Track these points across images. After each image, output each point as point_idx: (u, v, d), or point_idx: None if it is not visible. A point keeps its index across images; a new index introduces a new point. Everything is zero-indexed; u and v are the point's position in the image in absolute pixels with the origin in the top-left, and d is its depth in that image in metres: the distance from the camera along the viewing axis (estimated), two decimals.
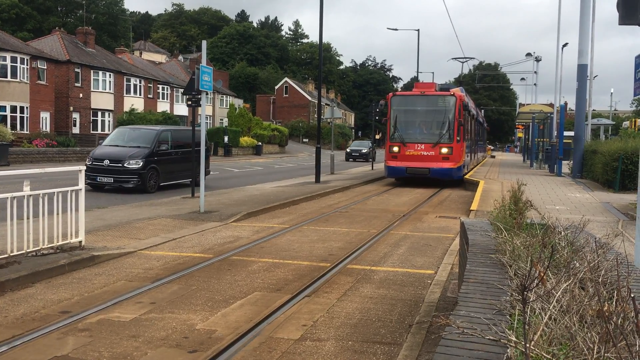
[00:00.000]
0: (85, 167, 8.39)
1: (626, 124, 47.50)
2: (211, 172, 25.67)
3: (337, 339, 5.12)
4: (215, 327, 5.35)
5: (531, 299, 2.82)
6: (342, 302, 6.28)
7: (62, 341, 4.93)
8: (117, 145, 17.64)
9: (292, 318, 5.68)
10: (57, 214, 7.70)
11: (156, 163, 17.13)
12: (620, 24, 6.82)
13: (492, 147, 79.72)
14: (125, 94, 49.72)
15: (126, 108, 46.17)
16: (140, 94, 51.42)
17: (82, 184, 8.18)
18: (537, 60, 48.53)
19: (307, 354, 4.74)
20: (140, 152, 16.92)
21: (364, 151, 43.38)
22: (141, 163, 16.57)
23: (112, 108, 47.88)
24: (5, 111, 37.89)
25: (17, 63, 38.25)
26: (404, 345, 4.90)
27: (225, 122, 61.35)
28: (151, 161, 16.93)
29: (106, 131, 44.93)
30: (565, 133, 27.99)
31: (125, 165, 16.45)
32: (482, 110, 62.75)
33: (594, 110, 33.34)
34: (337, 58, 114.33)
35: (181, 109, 55.55)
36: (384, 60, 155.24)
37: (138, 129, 19.61)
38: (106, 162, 16.60)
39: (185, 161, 18.00)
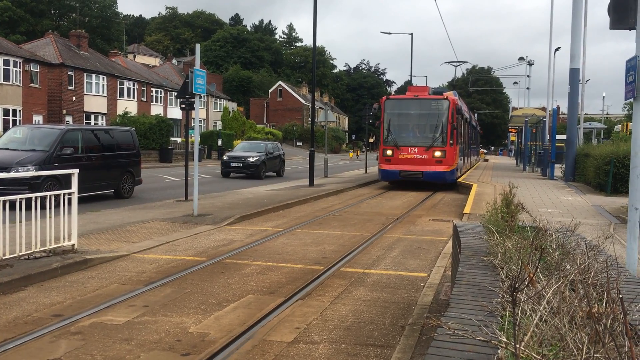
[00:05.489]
0: None
1: (618, 127, 47.82)
2: (202, 176, 25.53)
3: (330, 341, 5.13)
4: (209, 330, 5.35)
5: (521, 300, 2.84)
6: (335, 305, 6.29)
7: (55, 344, 4.92)
8: (8, 149, 14.43)
9: (285, 321, 5.68)
10: (50, 217, 7.68)
11: (57, 171, 12.12)
12: (611, 28, 6.90)
13: (485, 151, 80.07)
14: (118, 97, 49.59)
15: (119, 111, 45.98)
16: (133, 97, 51.31)
17: (74, 187, 8.17)
18: (530, 64, 48.76)
19: (300, 357, 4.75)
20: (34, 157, 13.78)
21: (252, 160, 25.86)
22: (33, 171, 12.83)
23: (105, 111, 47.74)
24: None
25: (9, 66, 38.13)
26: (397, 348, 4.92)
27: (219, 125, 61.36)
28: (49, 168, 13.36)
29: None
30: (558, 137, 28.09)
31: (10, 173, 11.23)
32: (475, 114, 62.98)
33: (586, 114, 33.42)
34: (331, 62, 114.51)
35: (175, 112, 55.55)
36: (378, 64, 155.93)
37: (38, 128, 16.60)
38: None
39: (104, 168, 15.63)
